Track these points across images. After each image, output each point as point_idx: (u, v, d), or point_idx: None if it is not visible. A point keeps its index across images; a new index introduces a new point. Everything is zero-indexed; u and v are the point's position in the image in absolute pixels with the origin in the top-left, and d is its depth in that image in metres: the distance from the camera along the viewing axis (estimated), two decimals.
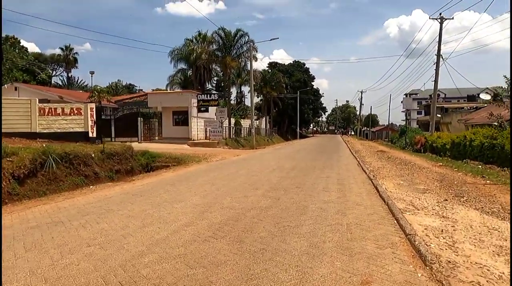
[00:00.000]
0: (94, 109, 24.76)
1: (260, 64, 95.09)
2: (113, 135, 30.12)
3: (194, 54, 40.95)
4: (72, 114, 24.09)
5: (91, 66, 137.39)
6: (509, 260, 4.09)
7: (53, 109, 23.62)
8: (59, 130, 23.42)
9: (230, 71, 38.74)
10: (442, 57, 27.79)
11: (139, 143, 30.70)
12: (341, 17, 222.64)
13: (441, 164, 16.33)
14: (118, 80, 78.02)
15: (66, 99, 32.04)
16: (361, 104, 72.18)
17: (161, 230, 5.70)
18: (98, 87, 33.48)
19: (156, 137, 34.42)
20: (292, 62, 70.44)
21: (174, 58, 47.39)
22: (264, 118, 55.84)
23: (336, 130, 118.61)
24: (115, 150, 16.99)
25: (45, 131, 23.18)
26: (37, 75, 56.33)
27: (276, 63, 66.99)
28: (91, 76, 48.90)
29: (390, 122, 69.05)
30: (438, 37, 27.98)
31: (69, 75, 61.46)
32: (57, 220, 6.61)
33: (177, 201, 8.01)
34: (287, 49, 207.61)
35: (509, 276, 3.69)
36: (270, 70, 59.05)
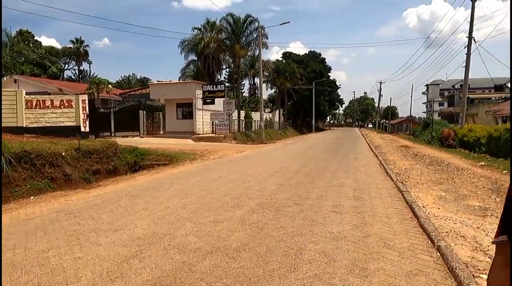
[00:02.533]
0: (86, 102, 22.34)
1: (276, 55, 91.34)
2: (112, 129, 27.70)
3: (202, 43, 38.10)
4: (62, 107, 21.75)
5: (109, 61, 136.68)
6: None
7: (41, 102, 21.31)
8: (48, 125, 21.14)
9: (239, 60, 35.92)
10: (474, 40, 24.20)
11: (140, 137, 28.31)
12: (358, 8, 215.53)
13: (483, 163, 13.13)
14: (132, 74, 76.24)
15: (66, 92, 29.85)
16: (380, 95, 68.19)
17: None
18: (97, 78, 31.17)
19: (161, 132, 31.98)
20: (307, 52, 66.89)
21: (184, 49, 44.85)
22: (278, 111, 52.77)
23: (353, 123, 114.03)
24: (94, 147, 14.45)
25: (33, 125, 20.89)
26: (48, 68, 54.73)
27: (291, 53, 63.55)
28: (89, 66, 46.67)
29: (410, 115, 64.93)
30: (470, 18, 24.39)
31: (81, 68, 59.69)
32: None
33: (112, 230, 5.27)
34: (304, 42, 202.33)
35: None
36: (284, 61, 55.80)
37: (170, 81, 32.00)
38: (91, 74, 62.70)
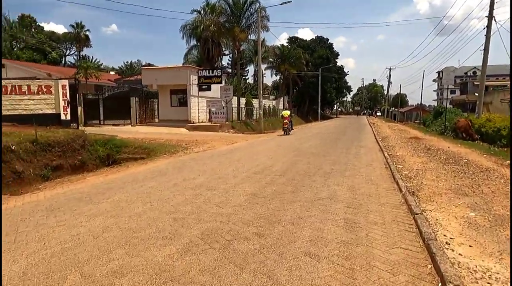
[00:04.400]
0: (67, 87, 20.27)
1: (284, 42, 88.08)
2: (101, 118, 25.75)
3: (202, 26, 35.65)
4: (40, 93, 19.73)
5: (117, 47, 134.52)
6: None
7: (17, 87, 19.29)
8: (25, 112, 19.16)
9: (239, 44, 33.42)
10: (495, 20, 21.47)
11: (132, 126, 26.34)
12: None
13: (509, 162, 10.81)
14: (137, 60, 73.87)
15: (55, 77, 27.91)
16: (389, 82, 65.08)
17: None
18: (85, 62, 29.11)
19: (157, 120, 29.93)
20: (314, 37, 63.83)
21: (185, 34, 42.48)
22: (282, 98, 50.30)
23: (361, 111, 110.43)
24: (56, 138, 12.49)
25: (8, 113, 18.97)
26: (48, 54, 52.85)
27: (297, 38, 60.47)
28: (79, 52, 44.50)
29: (420, 103, 61.90)
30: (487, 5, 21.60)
31: (81, 53, 57.58)
32: None
33: None
34: (312, 29, 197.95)
35: None
36: (289, 46, 53.04)
37: (167, 66, 29.63)
38: (94, 60, 60.80)
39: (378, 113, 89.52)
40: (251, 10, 31.56)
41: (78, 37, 55.26)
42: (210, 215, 5.32)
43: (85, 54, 59.13)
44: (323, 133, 24.58)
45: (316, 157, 11.50)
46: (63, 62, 56.87)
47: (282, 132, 23.95)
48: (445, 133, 23.10)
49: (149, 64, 73.51)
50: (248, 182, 7.63)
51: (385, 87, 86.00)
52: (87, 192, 7.12)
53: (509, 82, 48.91)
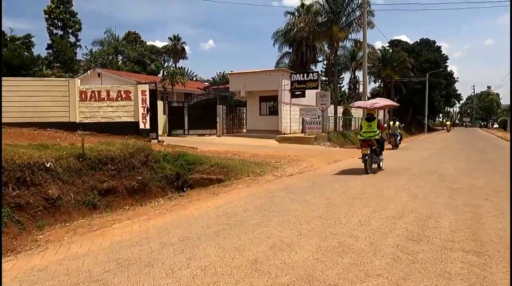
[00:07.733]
0: (147, 93, 17.91)
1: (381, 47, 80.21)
2: (186, 127, 23.31)
3: (295, 29, 31.86)
4: (119, 99, 17.59)
5: (214, 61, 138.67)
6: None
7: (96, 93, 17.32)
8: (103, 120, 17.16)
9: (338, 44, 28.79)
10: None
11: (217, 136, 23.49)
12: None
13: None
14: (231, 71, 73.36)
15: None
16: None
17: None
18: (172, 69, 27.29)
19: (244, 130, 26.81)
20: (418, 40, 55.95)
21: (277, 40, 39.31)
22: None
23: (469, 123, 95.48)
24: (110, 153, 9.41)
25: (87, 121, 17.13)
26: (147, 66, 54.39)
27: (399, 41, 53.34)
28: (175, 63, 43.50)
29: None
30: None
31: (178, 65, 58.26)
32: None
33: None
34: (410, 33, 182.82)
35: None
36: (391, 49, 46.59)
37: (257, 70, 26.42)
38: (188, 71, 61.21)
39: (495, 125, 75.78)
40: (353, 5, 26.88)
41: (175, 49, 55.94)
42: None
43: (181, 66, 59.85)
44: (449, 148, 18.69)
45: (499, 197, 6.51)
46: (160, 73, 58.23)
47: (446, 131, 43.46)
48: None
49: None
50: (408, 282, 3.22)
51: (502, 96, 72.66)
52: (81, 267, 3.45)
53: None
